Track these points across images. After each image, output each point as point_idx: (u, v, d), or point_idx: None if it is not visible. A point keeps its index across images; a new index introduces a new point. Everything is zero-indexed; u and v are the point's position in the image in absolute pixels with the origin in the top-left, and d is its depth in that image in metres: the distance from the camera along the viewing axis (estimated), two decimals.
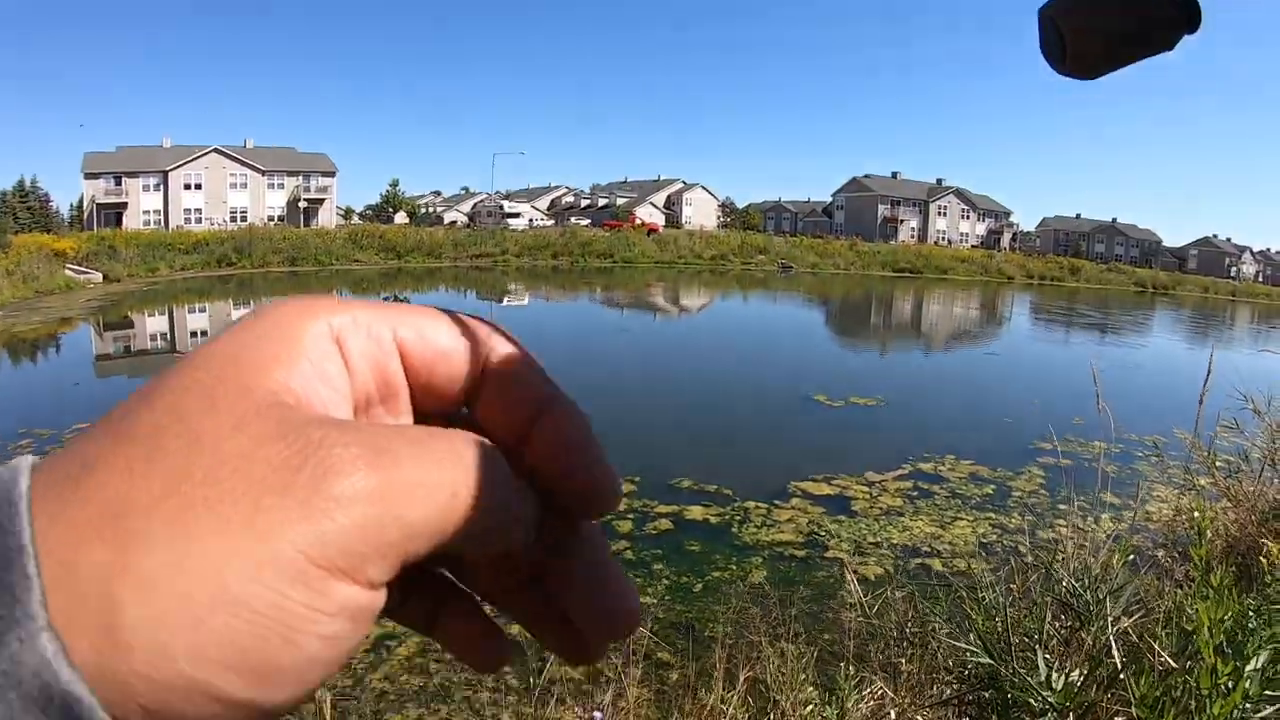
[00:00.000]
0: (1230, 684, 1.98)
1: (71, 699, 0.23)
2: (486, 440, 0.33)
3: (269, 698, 0.26)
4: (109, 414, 0.30)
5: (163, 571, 0.25)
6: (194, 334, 24.78)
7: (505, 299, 38.97)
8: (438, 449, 0.31)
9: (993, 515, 8.97)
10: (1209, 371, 4.02)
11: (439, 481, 0.30)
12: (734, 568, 7.36)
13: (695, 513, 8.75)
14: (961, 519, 8.88)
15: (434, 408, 0.38)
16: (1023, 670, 2.43)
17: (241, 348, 0.31)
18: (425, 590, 0.39)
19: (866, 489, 9.82)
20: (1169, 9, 0.50)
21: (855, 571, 7.14)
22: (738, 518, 8.66)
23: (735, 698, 3.72)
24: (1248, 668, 2.00)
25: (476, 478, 0.31)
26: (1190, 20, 0.50)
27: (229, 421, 0.28)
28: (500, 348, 0.39)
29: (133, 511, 0.26)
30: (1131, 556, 3.00)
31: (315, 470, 0.28)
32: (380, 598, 0.29)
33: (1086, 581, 2.82)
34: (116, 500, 0.26)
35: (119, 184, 68.90)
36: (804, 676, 3.62)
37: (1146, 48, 0.51)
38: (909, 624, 4.10)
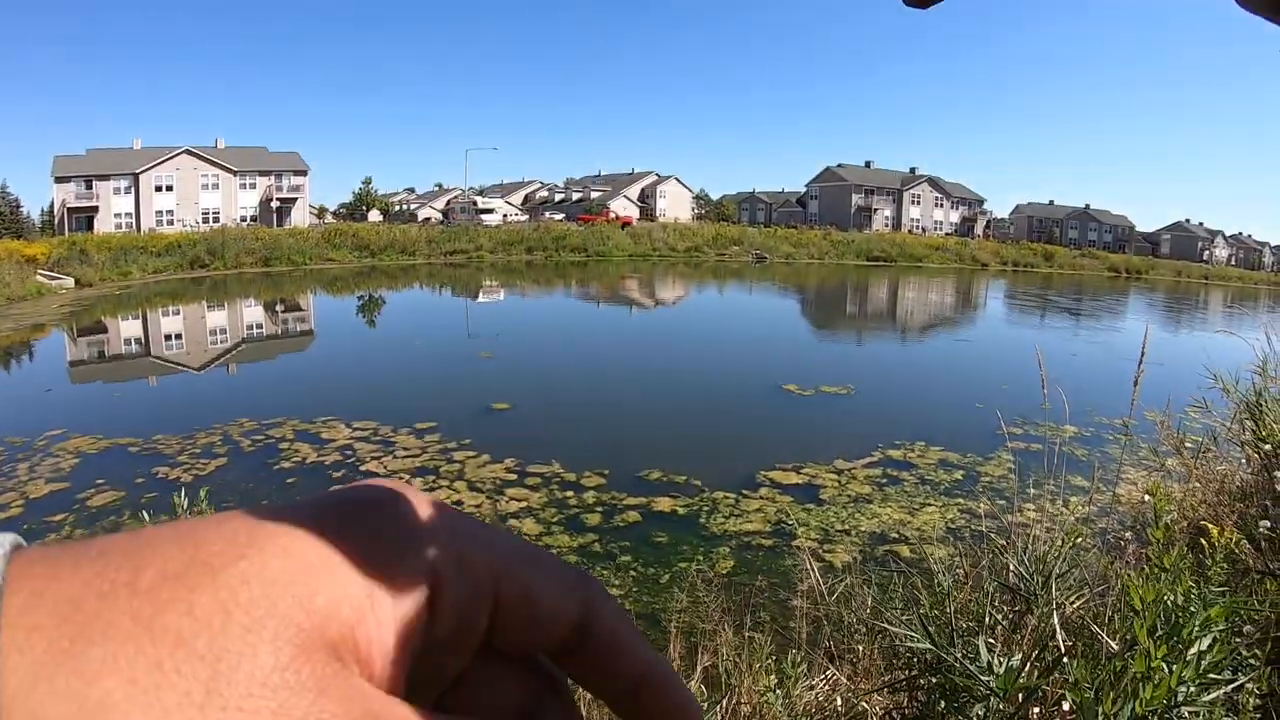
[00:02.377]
0: (1167, 668, 1.96)
1: None
2: None
3: None
4: (140, 554, 0.27)
5: None
6: (168, 337, 24.59)
7: (480, 295, 38.88)
8: None
9: (961, 501, 9.00)
10: (1143, 353, 4.01)
11: None
12: (701, 558, 7.36)
13: (663, 504, 8.75)
14: (930, 505, 8.91)
15: (509, 649, 0.35)
16: (968, 654, 2.41)
17: (326, 556, 0.29)
18: None
19: (835, 477, 9.84)
20: None
21: (822, 559, 7.16)
22: (706, 508, 8.67)
23: (692, 685, 3.69)
24: (1189, 651, 1.99)
25: None
26: None
27: (254, 678, 0.25)
28: (603, 612, 0.36)
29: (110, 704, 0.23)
30: (1079, 540, 2.99)
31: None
32: None
33: (1032, 566, 2.80)
34: (95, 669, 0.23)
35: (90, 187, 68.29)
36: (759, 665, 3.60)
37: None
38: (866, 610, 4.09)
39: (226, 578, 0.26)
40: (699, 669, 3.90)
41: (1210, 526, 2.41)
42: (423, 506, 0.33)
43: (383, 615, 0.29)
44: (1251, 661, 2.33)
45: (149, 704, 0.23)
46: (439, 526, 0.32)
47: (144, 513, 5.55)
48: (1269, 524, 3.29)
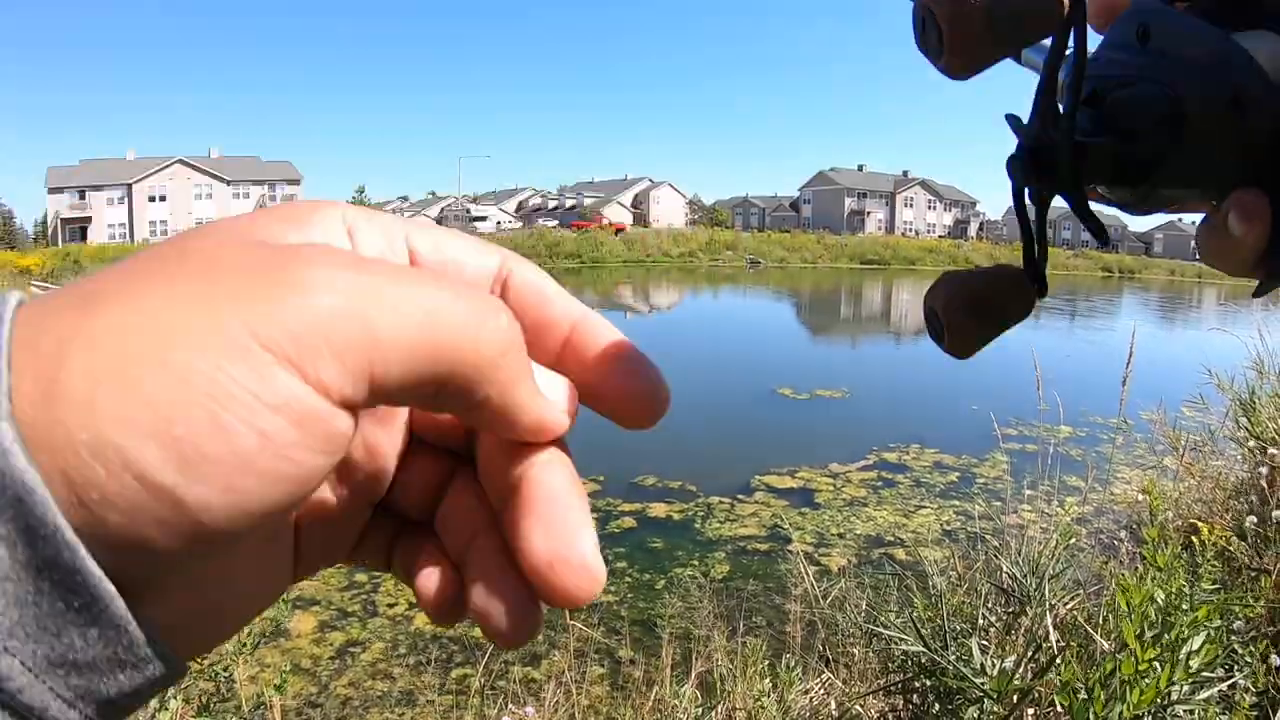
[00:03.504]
0: (1159, 668, 1.96)
1: (25, 489, 0.22)
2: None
3: (192, 490, 0.23)
4: None
5: (109, 332, 0.23)
6: None
7: None
8: (426, 274, 0.30)
9: (957, 503, 8.98)
10: (1131, 353, 4.01)
11: (417, 295, 0.27)
12: (696, 563, 7.34)
13: (658, 510, 8.73)
14: (925, 507, 8.89)
15: None
16: (961, 657, 2.40)
17: (250, 220, 0.30)
18: (386, 525, 0.38)
19: (830, 480, 9.82)
20: None
21: (817, 563, 7.15)
22: (700, 513, 8.64)
23: (687, 691, 3.69)
24: (1182, 651, 1.98)
25: (465, 305, 0.28)
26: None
27: (214, 241, 0.28)
28: (520, 268, 0.37)
29: (103, 291, 0.25)
30: (1073, 540, 2.99)
31: (286, 261, 0.26)
32: (334, 415, 0.26)
33: (1026, 567, 2.80)
34: (91, 285, 0.25)
35: (83, 198, 68.39)
36: (753, 669, 3.59)
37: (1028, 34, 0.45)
38: (860, 613, 4.09)
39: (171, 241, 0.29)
40: (694, 674, 3.89)
41: (1202, 525, 2.41)
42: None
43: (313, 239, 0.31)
44: (1246, 658, 2.33)
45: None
46: (344, 203, 0.34)
47: None
48: (1256, 519, 3.29)
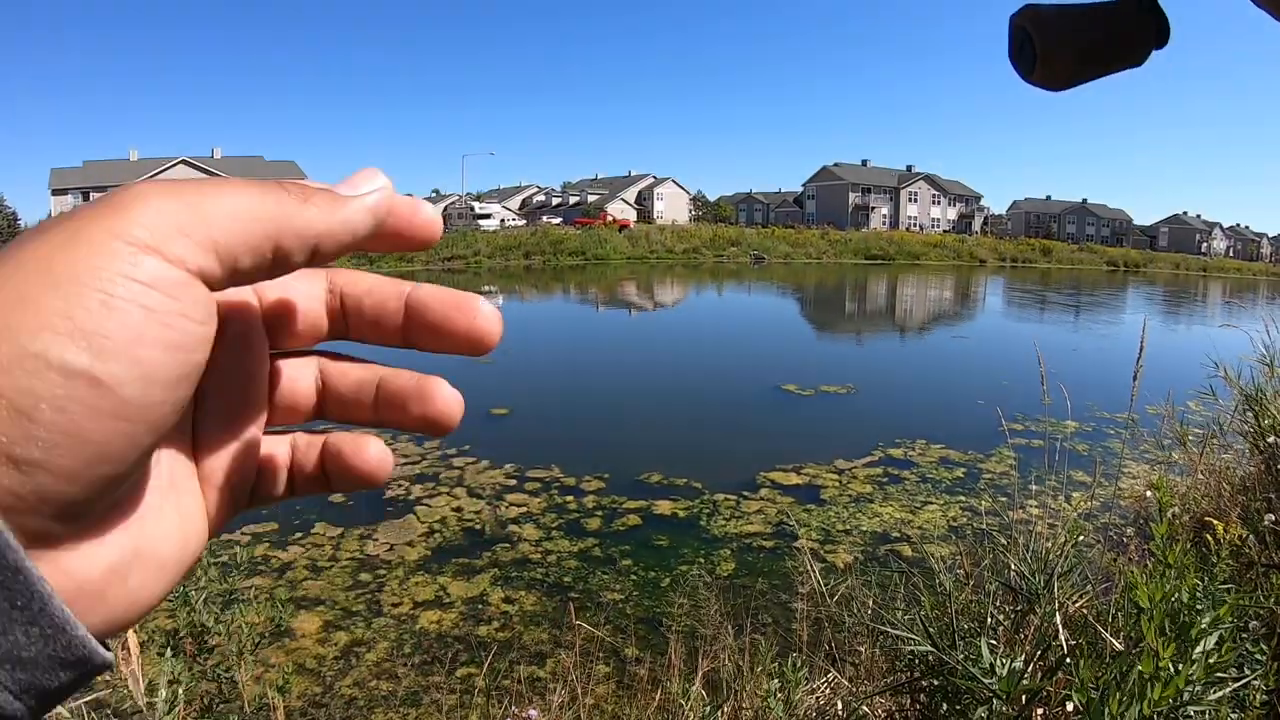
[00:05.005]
0: (1175, 667, 1.93)
1: None
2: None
3: (108, 369, 0.28)
4: None
5: (2, 278, 0.28)
6: None
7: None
8: (233, 180, 0.34)
9: (963, 498, 8.97)
10: (1141, 348, 3.97)
11: (233, 192, 0.33)
12: (702, 561, 7.32)
13: (663, 507, 8.72)
14: (932, 503, 8.88)
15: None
16: (970, 656, 2.38)
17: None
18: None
19: (836, 477, 9.81)
20: (1141, 24, 0.51)
21: (823, 560, 7.12)
22: (706, 510, 8.63)
23: (694, 689, 3.67)
24: (1195, 650, 1.96)
25: (271, 191, 0.34)
26: (1160, 35, 0.50)
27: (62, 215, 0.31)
28: (340, 275, 0.44)
29: None
30: (1081, 537, 2.95)
31: (124, 190, 0.31)
32: (195, 284, 0.31)
33: (1034, 564, 2.77)
34: None
35: (87, 199, 67.08)
36: (760, 668, 3.57)
37: (1117, 62, 0.52)
38: (867, 611, 4.05)
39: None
40: (700, 673, 3.87)
41: (1215, 522, 2.38)
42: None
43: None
44: (1258, 657, 2.30)
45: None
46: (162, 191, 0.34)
47: None
48: (1274, 517, 3.26)
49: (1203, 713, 1.98)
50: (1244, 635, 2.38)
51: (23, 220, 79.53)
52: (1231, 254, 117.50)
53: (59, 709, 2.60)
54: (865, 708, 3.06)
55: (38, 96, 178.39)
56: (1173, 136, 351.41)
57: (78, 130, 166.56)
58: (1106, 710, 1.90)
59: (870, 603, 4.16)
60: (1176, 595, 2.05)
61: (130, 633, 2.92)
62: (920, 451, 10.94)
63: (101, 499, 0.31)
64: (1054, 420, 10.97)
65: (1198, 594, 2.08)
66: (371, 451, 0.41)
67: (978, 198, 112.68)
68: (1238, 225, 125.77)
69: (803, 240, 72.74)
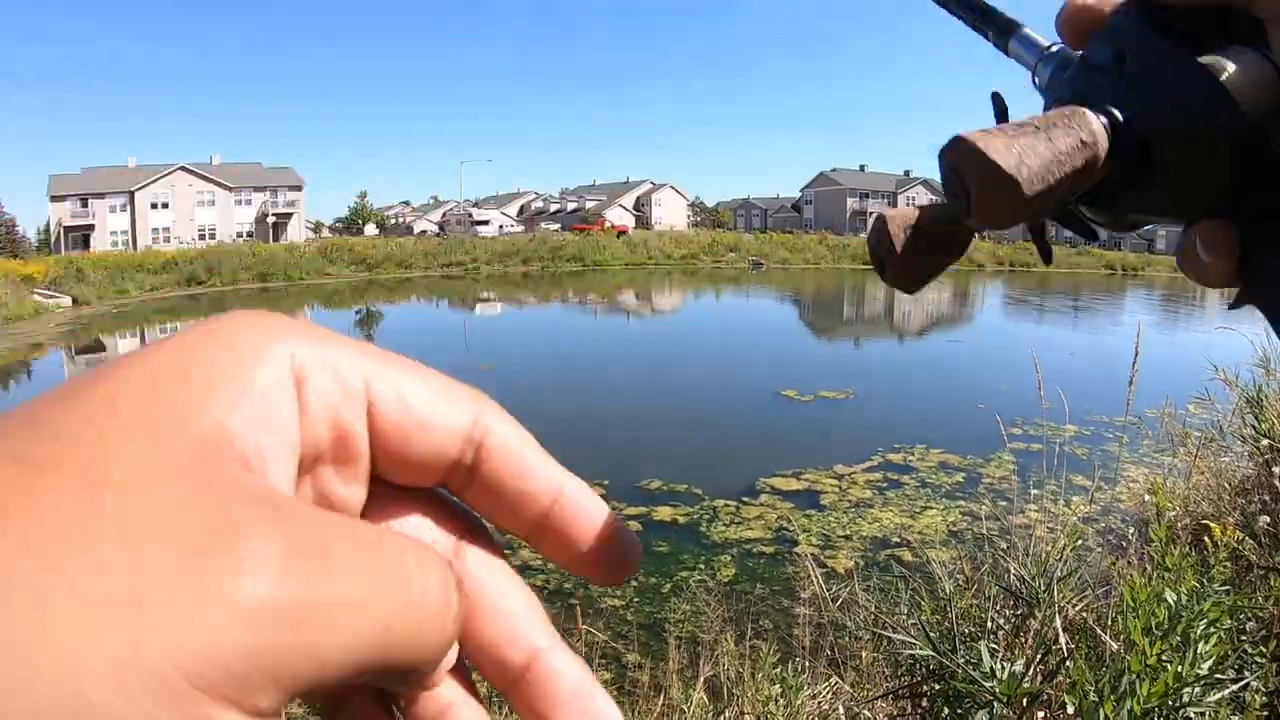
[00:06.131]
0: (1164, 666, 1.94)
1: None
2: (447, 560, 0.28)
3: None
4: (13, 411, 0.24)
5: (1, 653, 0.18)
6: None
7: (478, 307, 38.90)
8: (383, 566, 0.25)
9: (963, 503, 8.97)
10: (1137, 351, 3.99)
11: (373, 610, 0.24)
12: (702, 567, 7.34)
13: (664, 513, 8.73)
14: (931, 508, 8.89)
15: (402, 481, 0.32)
16: (971, 660, 2.39)
17: (187, 363, 0.26)
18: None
19: (836, 482, 9.82)
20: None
21: (824, 565, 7.13)
22: (706, 516, 8.65)
23: (695, 695, 3.68)
24: (1191, 651, 1.97)
25: (421, 613, 0.25)
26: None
27: (140, 470, 0.22)
28: (498, 427, 0.32)
29: None
30: (1081, 541, 2.97)
31: (220, 564, 0.21)
32: None
33: (1034, 568, 2.78)
34: None
35: (85, 206, 68.41)
36: (761, 674, 3.58)
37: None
38: (868, 616, 4.07)
39: (101, 389, 0.24)
40: (701, 679, 3.88)
41: (1213, 525, 2.40)
42: (276, 317, 0.29)
43: (251, 409, 0.26)
44: (1257, 659, 2.32)
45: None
46: (298, 327, 0.29)
47: None
48: (1269, 520, 3.27)
49: (1202, 714, 2.00)
50: (1243, 637, 2.39)
51: (21, 227, 79.52)
52: None
53: None
54: (867, 712, 3.07)
55: (35, 101, 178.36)
56: None
57: (76, 136, 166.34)
58: (1102, 710, 1.92)
59: (871, 608, 4.17)
60: (1172, 596, 2.07)
61: None
62: (920, 456, 10.95)
63: None
64: (1053, 424, 10.95)
65: (1193, 595, 2.10)
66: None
67: None
68: None
69: (801, 245, 72.62)
